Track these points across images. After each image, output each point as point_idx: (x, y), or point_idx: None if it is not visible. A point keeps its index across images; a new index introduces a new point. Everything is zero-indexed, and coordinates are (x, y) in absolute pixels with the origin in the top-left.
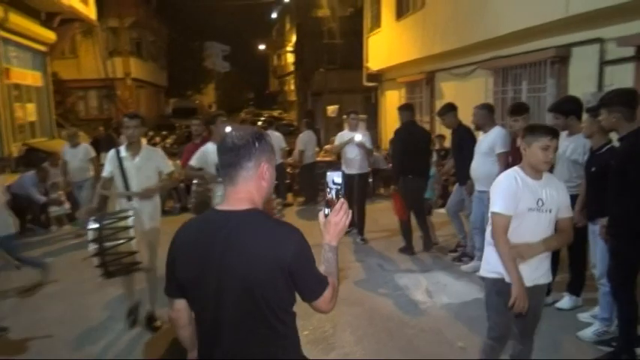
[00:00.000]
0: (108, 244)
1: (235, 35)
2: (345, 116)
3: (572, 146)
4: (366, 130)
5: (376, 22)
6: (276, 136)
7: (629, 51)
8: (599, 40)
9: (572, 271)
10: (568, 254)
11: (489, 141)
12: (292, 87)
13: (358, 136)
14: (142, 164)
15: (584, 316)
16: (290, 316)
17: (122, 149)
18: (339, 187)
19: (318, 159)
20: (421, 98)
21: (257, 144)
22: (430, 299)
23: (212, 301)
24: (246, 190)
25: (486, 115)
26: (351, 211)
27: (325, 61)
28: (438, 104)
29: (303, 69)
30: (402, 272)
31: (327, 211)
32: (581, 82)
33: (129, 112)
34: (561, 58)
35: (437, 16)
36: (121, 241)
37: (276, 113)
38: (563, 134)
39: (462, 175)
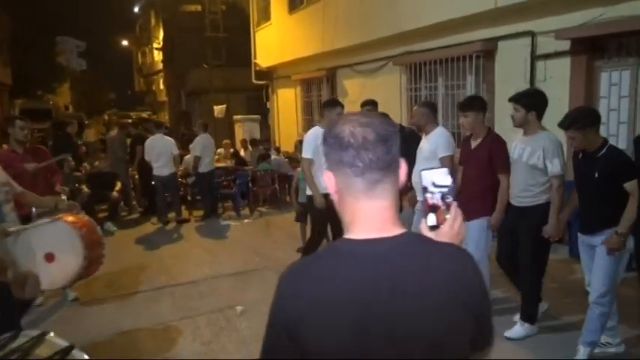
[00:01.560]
0: None
1: (93, 30)
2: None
3: (530, 149)
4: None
5: (265, 15)
6: (167, 141)
7: (564, 45)
8: (530, 34)
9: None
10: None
11: (431, 144)
12: (162, 86)
13: None
14: None
15: None
16: None
17: None
18: (445, 190)
19: (216, 165)
20: (320, 97)
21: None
22: None
23: None
24: (393, 205)
25: (429, 115)
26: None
27: (210, 57)
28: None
29: (174, 67)
30: None
31: (432, 220)
32: (510, 78)
33: None
34: (486, 52)
35: (339, 8)
36: None
37: (145, 115)
38: (519, 134)
39: None
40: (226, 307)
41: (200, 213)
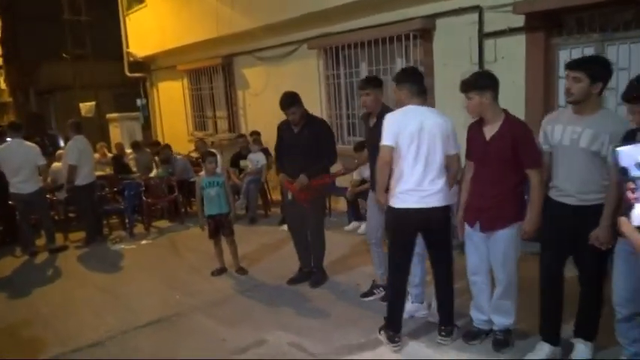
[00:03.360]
0: None
1: None
2: None
3: (590, 132)
4: None
5: None
6: (29, 149)
7: (517, 20)
8: (477, 9)
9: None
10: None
11: None
12: (4, 85)
13: None
14: None
15: None
16: None
17: None
18: None
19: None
20: (212, 89)
21: None
22: None
23: None
24: None
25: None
26: None
27: (71, 46)
28: (240, 95)
29: (20, 62)
30: (337, 349)
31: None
32: (453, 60)
33: None
34: (423, 31)
35: None
36: None
37: None
38: (564, 113)
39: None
40: None
41: (79, 236)
